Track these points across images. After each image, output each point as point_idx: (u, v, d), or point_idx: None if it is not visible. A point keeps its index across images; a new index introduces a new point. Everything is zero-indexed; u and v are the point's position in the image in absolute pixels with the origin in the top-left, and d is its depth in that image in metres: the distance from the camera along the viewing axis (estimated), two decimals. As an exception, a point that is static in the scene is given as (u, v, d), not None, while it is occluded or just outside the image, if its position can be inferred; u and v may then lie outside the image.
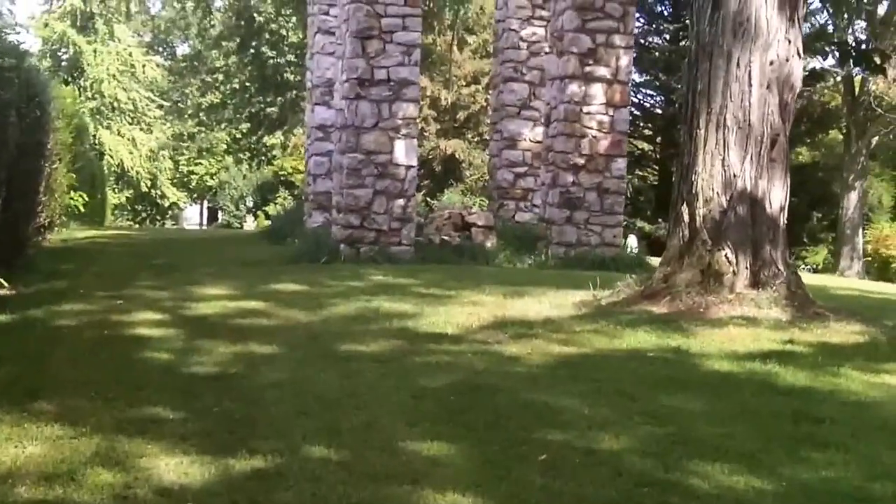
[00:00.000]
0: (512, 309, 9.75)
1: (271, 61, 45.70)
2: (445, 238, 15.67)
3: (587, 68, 15.51)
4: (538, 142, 17.84)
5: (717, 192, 9.48)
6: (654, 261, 17.53)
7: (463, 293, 10.91)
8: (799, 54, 9.55)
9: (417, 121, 15.28)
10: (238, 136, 53.78)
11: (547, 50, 16.88)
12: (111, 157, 48.31)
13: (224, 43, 48.88)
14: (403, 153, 14.95)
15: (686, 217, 9.65)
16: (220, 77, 51.36)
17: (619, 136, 15.82)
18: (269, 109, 47.64)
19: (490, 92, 22.61)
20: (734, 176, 9.40)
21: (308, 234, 16.38)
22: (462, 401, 6.21)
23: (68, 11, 48.58)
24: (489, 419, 5.79)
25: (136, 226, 56.30)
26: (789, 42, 9.40)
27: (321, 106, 18.05)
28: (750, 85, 9.35)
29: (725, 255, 9.33)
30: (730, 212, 9.41)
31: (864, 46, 13.90)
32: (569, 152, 15.55)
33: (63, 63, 49.86)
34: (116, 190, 52.11)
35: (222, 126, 53.44)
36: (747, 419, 5.86)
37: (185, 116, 55.22)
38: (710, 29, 9.59)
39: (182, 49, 56.89)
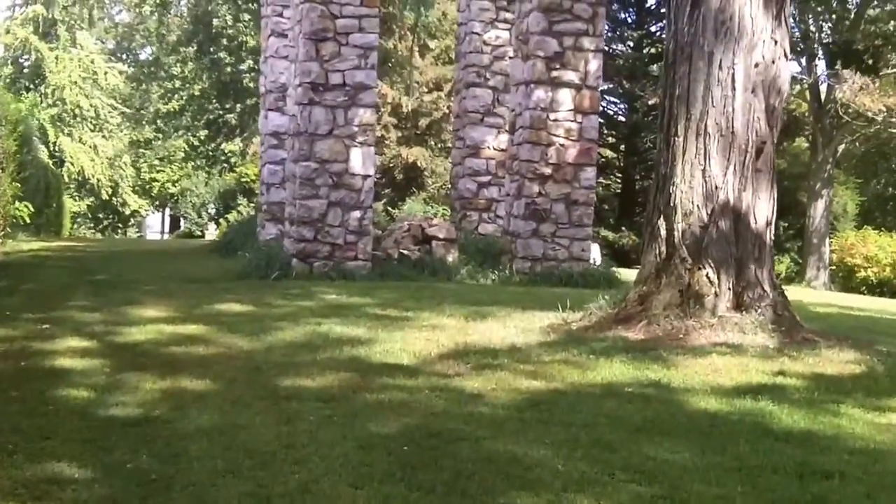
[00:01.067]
0: (474, 334, 8.94)
1: (230, 67, 44.83)
2: (405, 252, 14.83)
3: (554, 73, 14.74)
4: (502, 150, 17.09)
5: (698, 206, 8.74)
6: (625, 274, 16.86)
7: (422, 315, 10.11)
8: (786, 55, 8.82)
9: (376, 128, 14.40)
10: (196, 143, 52.57)
11: (511, 54, 16.10)
12: (72, 164, 47.64)
13: (182, 49, 47.87)
14: (360, 162, 14.10)
15: (663, 232, 8.88)
16: (178, 83, 50.30)
17: (589, 145, 15.05)
18: (227, 116, 46.74)
19: (452, 98, 21.71)
20: (716, 188, 8.66)
21: (260, 248, 15.48)
22: (417, 453, 5.35)
23: (31, 18, 48.04)
24: (448, 478, 4.93)
25: (98, 235, 55.34)
26: (775, 42, 8.66)
27: (275, 112, 17.16)
28: (733, 89, 8.61)
29: (706, 275, 8.58)
30: (711, 227, 8.67)
31: (853, 47, 13.02)
32: (535, 161, 14.77)
33: (25, 70, 49.18)
34: (77, 198, 51.73)
35: (179, 133, 52.30)
36: (746, 476, 5.04)
37: (143, 123, 54.00)
38: (689, 28, 8.82)
39: (144, 55, 55.62)
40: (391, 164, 39.99)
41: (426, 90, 40.14)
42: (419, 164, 39.38)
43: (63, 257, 17.92)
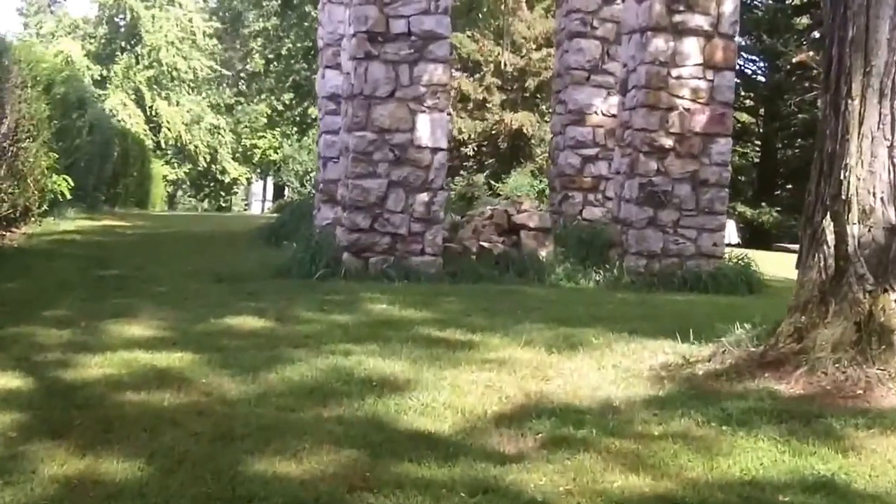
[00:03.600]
0: (555, 377, 6.81)
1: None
2: (485, 244, 12.70)
3: (677, 17, 12.40)
4: (613, 116, 14.79)
5: (882, 199, 6.42)
6: (767, 262, 14.46)
7: (490, 341, 8.05)
8: None
9: (449, 88, 12.25)
10: (280, 107, 51.12)
11: (624, -5, 13.71)
12: (168, 129, 47.72)
13: (265, 3, 46.33)
14: (428, 131, 12.01)
15: (830, 237, 6.56)
16: (261, 42, 48.83)
17: (722, 109, 12.67)
18: (314, 77, 44.90)
19: (553, 52, 19.38)
20: (912, 173, 6.31)
21: (308, 237, 13.48)
22: None
23: None
24: None
25: (203, 204, 54.90)
26: None
27: (333, 70, 15.10)
28: (942, 25, 6.22)
29: (897, 301, 6.26)
30: (904, 231, 6.32)
31: None
32: (652, 130, 12.47)
33: (121, 30, 49.36)
34: (176, 165, 52.40)
35: (262, 97, 50.95)
36: None
37: (224, 86, 52.91)
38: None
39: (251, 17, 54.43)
40: (493, 132, 37.94)
41: (534, 47, 37.73)
42: (525, 132, 37.12)
43: (90, 243, 16.27)
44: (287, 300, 10.06)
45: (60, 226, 19.13)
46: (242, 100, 52.94)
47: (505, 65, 37.03)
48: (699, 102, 12.53)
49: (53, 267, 12.88)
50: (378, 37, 11.87)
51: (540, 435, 5.51)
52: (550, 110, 17.88)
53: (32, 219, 18.49)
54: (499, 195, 34.91)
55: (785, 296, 12.27)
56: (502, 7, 36.84)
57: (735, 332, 7.22)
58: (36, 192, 18.03)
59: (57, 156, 18.84)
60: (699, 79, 12.51)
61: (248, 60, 50.47)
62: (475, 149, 38.38)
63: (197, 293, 10.65)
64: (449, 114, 34.36)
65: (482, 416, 5.91)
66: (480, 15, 29.33)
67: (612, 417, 5.82)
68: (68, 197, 19.82)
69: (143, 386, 6.47)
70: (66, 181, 19.46)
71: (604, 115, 15.63)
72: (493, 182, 36.21)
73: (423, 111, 11.98)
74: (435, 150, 12.08)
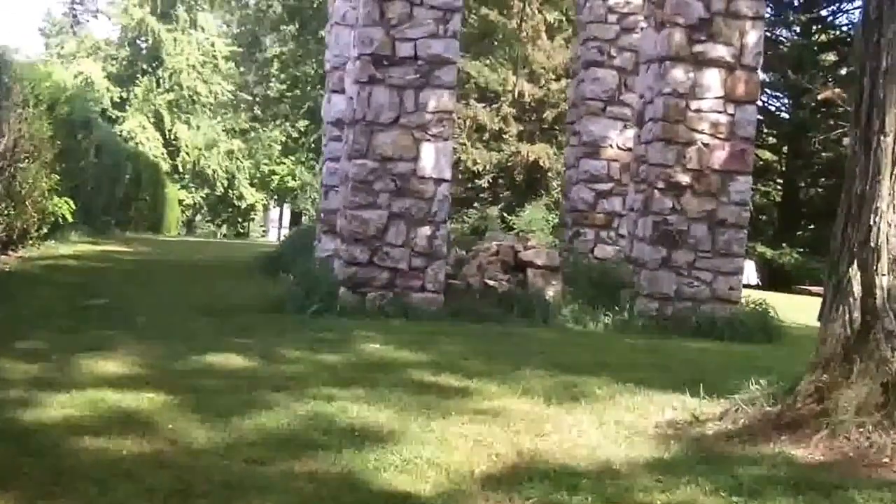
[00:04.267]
0: (552, 432, 6.33)
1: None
2: (490, 282, 12.23)
3: (698, 46, 11.96)
4: (628, 149, 14.36)
5: (916, 248, 5.94)
6: (786, 307, 13.97)
7: (486, 388, 7.60)
8: None
9: (455, 116, 11.83)
10: (295, 134, 50.88)
11: (643, 24, 13.27)
12: (187, 153, 47.89)
13: (283, 27, 46.18)
14: (432, 161, 11.60)
15: (857, 288, 6.09)
16: (277, 67, 48.68)
17: (743, 145, 12.21)
18: (331, 104, 44.60)
19: (569, 82, 18.95)
20: (949, 220, 5.85)
21: (306, 269, 13.03)
22: None
23: None
24: None
25: (221, 229, 54.64)
26: None
27: (338, 94, 14.69)
28: None
29: (929, 361, 5.78)
30: (938, 283, 5.86)
31: None
32: (668, 165, 12.02)
33: (143, 52, 49.69)
34: (193, 189, 52.68)
35: (277, 122, 50.73)
36: None
37: (239, 110, 52.70)
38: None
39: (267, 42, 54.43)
40: (509, 163, 37.47)
41: (553, 77, 37.30)
42: (542, 164, 36.63)
43: (84, 269, 15.85)
44: (275, 337, 9.63)
45: (59, 250, 18.75)
46: (258, 125, 52.64)
47: (521, 95, 36.59)
48: (719, 137, 12.09)
49: (39, 294, 12.48)
50: (383, 60, 11.48)
51: (530, 501, 5.05)
52: (566, 143, 17.47)
53: (30, 242, 18.17)
54: (512, 229, 34.46)
55: (805, 345, 11.81)
56: (521, 35, 36.49)
57: (750, 387, 6.72)
58: (35, 215, 17.72)
59: (59, 177, 18.51)
60: (720, 112, 12.07)
61: (265, 85, 50.30)
62: (490, 181, 37.92)
63: (182, 327, 10.21)
64: (456, 143, 34.10)
65: (468, 476, 5.44)
66: (496, 42, 28.82)
67: (611, 482, 5.34)
68: (70, 220, 19.50)
69: (104, 431, 6.02)
70: (68, 204, 19.14)
71: (619, 148, 15.20)
72: (506, 215, 35.71)
73: (428, 139, 11.58)
74: (439, 181, 11.65)
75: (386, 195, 11.52)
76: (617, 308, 12.13)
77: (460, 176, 37.82)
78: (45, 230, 18.64)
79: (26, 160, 16.48)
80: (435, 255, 11.67)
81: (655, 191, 12.03)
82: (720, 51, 12.04)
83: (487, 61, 35.78)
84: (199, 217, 58.71)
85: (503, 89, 36.21)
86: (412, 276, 11.61)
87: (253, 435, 6.07)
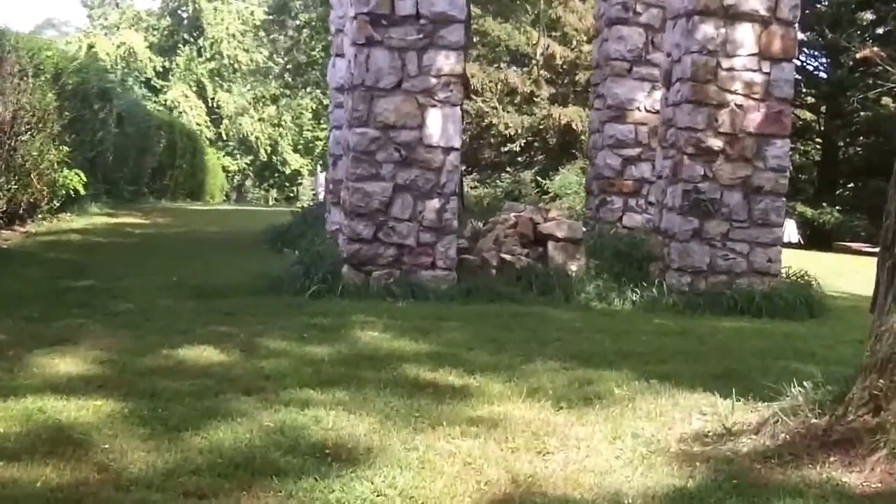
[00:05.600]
0: (557, 450, 5.28)
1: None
2: (507, 257, 11.12)
3: (729, -1, 10.76)
4: (657, 112, 13.20)
5: None
6: (829, 267, 12.85)
7: (489, 387, 6.59)
8: None
9: (463, 79, 10.75)
10: (326, 101, 49.81)
11: (670, -25, 12.03)
12: (229, 120, 48.13)
13: (311, -8, 45.02)
14: (439, 129, 10.49)
15: (919, 273, 4.96)
16: (307, 33, 47.53)
17: (779, 106, 10.98)
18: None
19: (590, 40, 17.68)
20: None
21: (308, 245, 11.97)
22: None
23: None
24: None
25: (268, 194, 54.74)
26: None
27: (342, 58, 13.57)
28: None
29: None
30: None
31: None
32: (699, 129, 10.84)
33: (183, 22, 49.92)
34: (238, 156, 53.81)
35: (308, 90, 49.73)
36: None
37: (270, 77, 51.83)
38: None
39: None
40: (542, 126, 36.30)
41: (585, 39, 35.97)
42: (574, 127, 35.39)
43: (84, 245, 14.93)
44: (263, 324, 8.61)
45: (73, 223, 17.98)
46: (288, 92, 51.80)
47: (553, 57, 35.30)
48: (753, 98, 10.87)
49: (25, 274, 11.57)
50: (382, 19, 10.35)
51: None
52: (589, 106, 16.21)
53: (40, 216, 17.35)
54: (547, 193, 33.41)
55: (850, 319, 10.72)
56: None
57: (791, 389, 5.59)
58: (43, 188, 16.89)
59: (69, 149, 17.68)
60: (754, 71, 10.84)
61: (294, 51, 49.30)
62: (522, 145, 36.78)
63: (165, 312, 9.22)
64: (488, 106, 32.86)
65: (446, 516, 4.40)
66: (518, 1, 27.47)
67: (621, 521, 4.28)
68: (82, 192, 18.68)
69: (26, 453, 5.00)
70: (79, 176, 18.32)
71: (647, 111, 14.03)
72: (540, 179, 34.62)
73: (434, 105, 10.45)
74: (447, 150, 10.53)
75: (390, 166, 10.44)
76: (645, 283, 11.00)
77: (492, 140, 36.90)
78: (56, 203, 17.86)
79: (28, 132, 15.63)
80: (445, 230, 10.58)
81: (685, 157, 10.85)
82: (753, 3, 10.78)
83: (512, 22, 34.51)
84: (248, 182, 58.62)
85: (533, 51, 34.95)
86: (420, 253, 10.54)
87: (201, 457, 5.03)
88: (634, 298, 10.75)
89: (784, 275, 11.52)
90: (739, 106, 10.84)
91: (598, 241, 12.37)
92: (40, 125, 16.24)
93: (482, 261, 11.15)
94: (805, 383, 5.58)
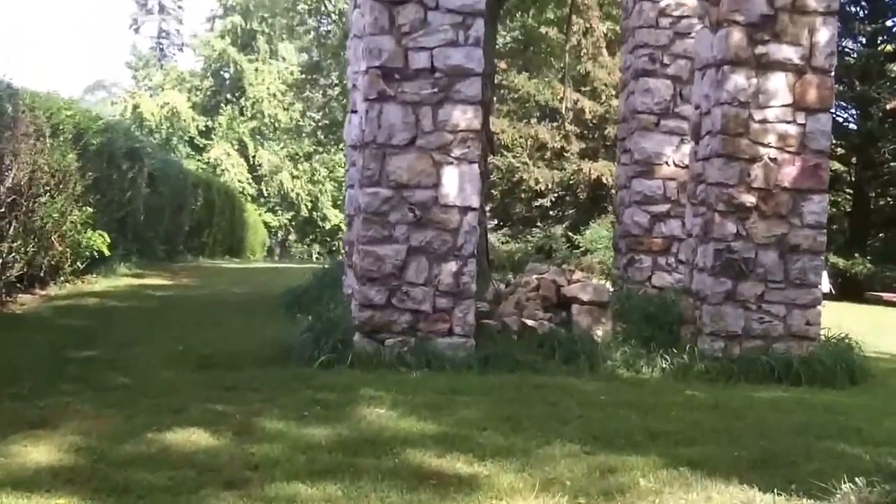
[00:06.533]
0: (571, 564, 4.45)
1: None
2: (529, 322, 10.34)
3: (761, 48, 9.98)
4: (686, 166, 12.46)
5: None
6: (865, 321, 12.05)
7: (499, 478, 5.88)
8: None
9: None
10: (356, 159, 49.80)
11: (698, 26, 11.27)
12: (270, 178, 48.52)
13: (343, 52, 44.84)
14: (456, 187, 9.75)
15: None
16: (339, 91, 47.42)
17: (816, 159, 10.18)
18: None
19: (618, 94, 16.95)
20: None
21: (320, 310, 11.22)
22: None
23: (229, 30, 50.79)
24: None
25: (308, 248, 55.07)
26: None
27: (357, 114, 12.88)
28: None
29: None
30: None
31: None
32: (731, 185, 10.05)
33: (226, 83, 50.66)
34: (280, 212, 54.38)
35: (340, 146, 49.50)
36: None
37: (303, 135, 51.78)
38: None
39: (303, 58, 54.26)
40: (572, 181, 35.75)
41: (614, 93, 35.37)
42: (605, 181, 34.76)
43: (100, 310, 14.24)
44: (264, 401, 7.86)
45: (96, 285, 17.39)
46: (321, 149, 51.72)
47: (582, 111, 34.76)
48: (788, 151, 10.08)
49: (28, 342, 10.89)
50: (395, 73, 9.66)
51: None
52: (616, 161, 15.44)
53: (62, 278, 16.79)
54: (578, 247, 32.80)
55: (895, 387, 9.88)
56: (581, 52, 34.64)
57: (839, 487, 4.77)
58: (66, 250, 16.37)
59: (92, 210, 17.18)
60: (788, 123, 10.05)
61: (327, 109, 49.18)
62: (553, 200, 36.20)
63: (162, 387, 8.46)
64: (518, 162, 32.23)
65: None
66: (543, 55, 26.83)
67: None
68: (106, 253, 18.15)
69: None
70: (103, 237, 17.81)
71: (676, 165, 13.28)
72: (571, 234, 33.99)
73: (450, 163, 9.72)
74: (464, 210, 9.79)
75: (403, 227, 9.70)
76: (676, 349, 10.17)
77: (523, 195, 36.40)
78: (80, 265, 17.30)
79: (48, 193, 15.10)
80: (463, 295, 9.81)
81: (716, 214, 10.06)
82: (786, 52, 10.03)
83: (539, 76, 33.99)
84: (292, 237, 59.06)
85: (563, 106, 34.39)
86: (437, 319, 9.76)
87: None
88: (664, 365, 9.92)
89: (823, 335, 10.66)
90: (773, 160, 10.05)
91: (626, 302, 11.57)
92: (61, 186, 15.73)
93: (503, 326, 10.38)
94: (857, 480, 4.76)
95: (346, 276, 13.18)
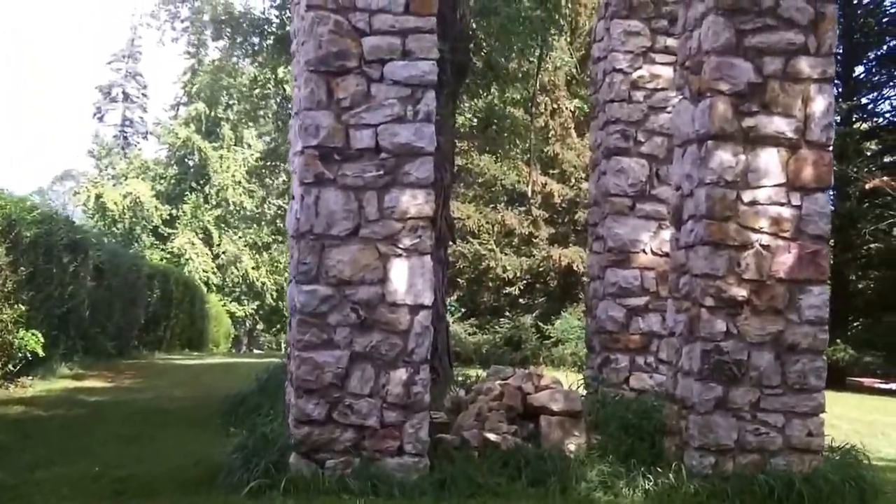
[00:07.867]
0: None
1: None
2: (491, 437, 9.03)
3: (749, 120, 8.86)
4: (665, 254, 11.29)
5: None
6: (858, 415, 10.84)
7: None
8: None
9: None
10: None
11: (676, 97, 10.16)
12: (235, 267, 47.82)
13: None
14: (405, 283, 8.52)
15: None
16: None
17: (814, 245, 9.00)
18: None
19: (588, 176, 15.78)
20: None
21: (264, 421, 9.88)
22: None
23: (193, 117, 50.61)
24: None
25: (279, 337, 54.03)
26: None
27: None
28: None
29: None
30: None
31: None
32: (718, 276, 8.86)
33: (190, 170, 50.35)
34: (245, 302, 53.61)
35: (294, 236, 49.01)
36: None
37: (262, 223, 50.93)
38: None
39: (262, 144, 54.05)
40: (541, 268, 34.64)
41: (584, 176, 34.55)
42: (576, 268, 33.70)
43: (16, 422, 12.85)
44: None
45: (28, 390, 16.12)
46: (280, 238, 51.02)
47: (551, 195, 33.86)
48: (783, 237, 8.92)
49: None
50: (334, 153, 8.47)
51: None
52: (587, 249, 14.26)
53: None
54: (549, 338, 31.66)
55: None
56: (549, 134, 33.85)
57: None
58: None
59: (25, 307, 15.97)
60: (782, 204, 8.90)
61: (287, 197, 48.62)
62: (521, 288, 35.04)
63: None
64: (485, 249, 31.04)
65: None
66: (507, 134, 25.81)
67: None
68: (40, 354, 16.84)
69: None
70: (36, 336, 16.52)
71: (654, 253, 12.12)
72: (541, 324, 32.80)
73: (399, 255, 8.50)
74: (416, 308, 8.53)
75: (345, 329, 8.44)
76: (660, 467, 8.88)
77: (490, 284, 35.27)
78: (13, 367, 16.04)
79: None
80: (414, 407, 8.52)
81: (703, 309, 8.86)
82: (778, 124, 8.92)
83: (503, 158, 33.06)
84: (259, 326, 59.06)
85: (531, 190, 33.40)
86: (385, 436, 8.46)
87: None
88: (647, 486, 8.62)
89: (828, 450, 9.42)
90: (766, 247, 8.89)
91: (602, 410, 10.29)
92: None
93: (462, 441, 9.08)
94: None
95: (287, 383, 11.88)
